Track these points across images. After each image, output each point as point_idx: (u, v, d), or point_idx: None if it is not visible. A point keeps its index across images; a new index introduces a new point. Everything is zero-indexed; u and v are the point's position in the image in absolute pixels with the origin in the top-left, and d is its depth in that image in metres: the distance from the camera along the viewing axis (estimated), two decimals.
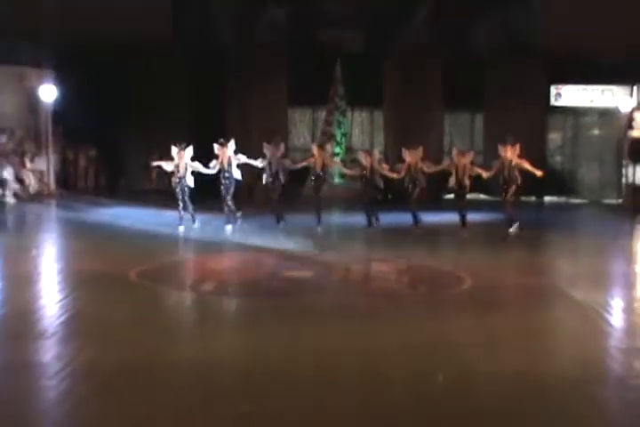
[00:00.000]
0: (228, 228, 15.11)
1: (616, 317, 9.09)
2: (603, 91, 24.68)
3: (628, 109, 23.74)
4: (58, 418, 5.85)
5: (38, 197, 21.67)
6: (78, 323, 8.35)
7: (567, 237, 16.58)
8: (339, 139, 23.60)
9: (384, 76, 24.36)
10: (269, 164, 15.30)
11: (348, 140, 24.29)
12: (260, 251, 13.12)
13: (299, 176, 18.47)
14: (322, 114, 24.46)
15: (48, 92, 22.17)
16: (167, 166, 15.05)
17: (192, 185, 14.88)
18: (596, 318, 8.79)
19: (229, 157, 14.77)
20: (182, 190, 14.87)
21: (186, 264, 12.78)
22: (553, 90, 24.81)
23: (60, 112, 22.35)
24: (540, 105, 24.40)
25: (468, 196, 15.85)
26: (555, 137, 25.73)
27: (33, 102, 22.26)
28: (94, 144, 24.01)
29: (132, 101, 23.48)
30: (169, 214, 16.21)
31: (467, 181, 15.19)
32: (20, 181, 21.29)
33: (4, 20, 20.92)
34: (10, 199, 19.94)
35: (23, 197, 20.85)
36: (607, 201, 24.26)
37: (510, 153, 14.66)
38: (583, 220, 20.88)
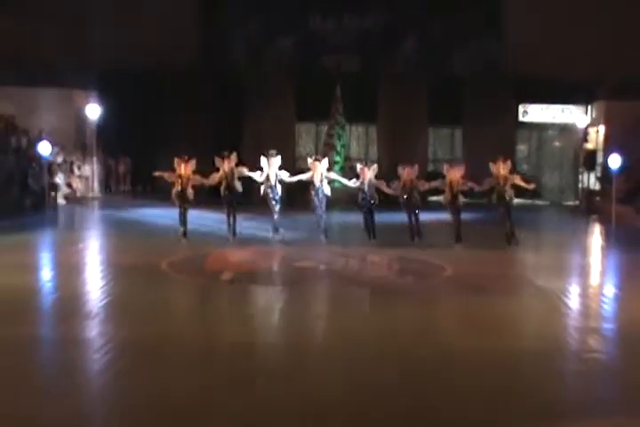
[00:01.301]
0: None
1: (573, 301, 9.12)
2: (563, 109, 24.71)
3: (584, 125, 23.80)
4: (101, 386, 5.90)
5: (84, 199, 21.79)
6: (118, 305, 8.40)
7: (532, 233, 16.54)
8: (338, 149, 23.55)
9: (378, 96, 24.35)
10: (267, 176, 13.55)
11: (347, 151, 24.27)
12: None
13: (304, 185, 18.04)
14: (324, 128, 24.41)
15: (93, 111, 22.22)
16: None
17: (192, 197, 13.44)
18: (556, 302, 8.83)
19: (232, 169, 13.47)
20: (183, 200, 13.42)
21: (209, 256, 12.78)
22: (521, 108, 24.81)
23: (103, 128, 22.47)
24: (509, 121, 24.38)
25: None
26: (522, 148, 25.73)
27: (80, 119, 22.32)
28: (130, 154, 24.04)
29: (162, 119, 23.45)
30: (194, 214, 16.13)
31: (459, 197, 13.13)
32: (69, 185, 21.39)
33: (55, 49, 20.97)
34: (61, 201, 19.99)
35: (72, 199, 20.94)
36: (566, 203, 24.22)
37: (502, 170, 13.15)
38: (546, 219, 20.86)
